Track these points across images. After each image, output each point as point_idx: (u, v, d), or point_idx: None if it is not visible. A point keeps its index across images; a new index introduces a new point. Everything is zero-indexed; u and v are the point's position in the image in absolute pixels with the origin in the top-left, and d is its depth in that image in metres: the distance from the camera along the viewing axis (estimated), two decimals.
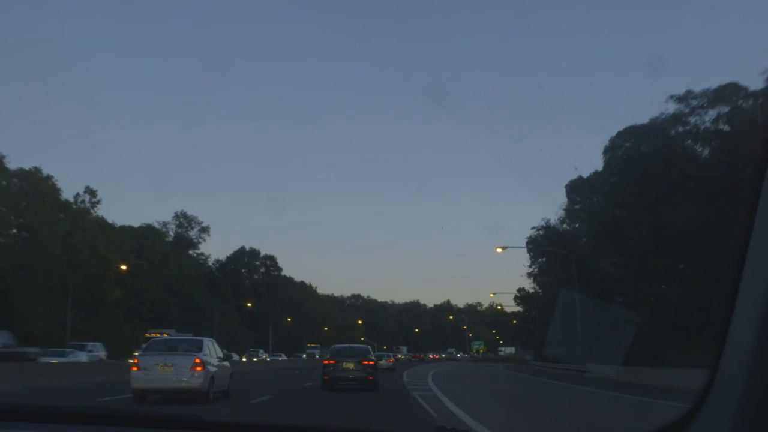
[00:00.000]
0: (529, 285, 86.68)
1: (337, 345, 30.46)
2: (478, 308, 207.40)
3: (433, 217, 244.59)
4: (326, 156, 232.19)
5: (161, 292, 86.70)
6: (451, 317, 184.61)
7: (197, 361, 19.47)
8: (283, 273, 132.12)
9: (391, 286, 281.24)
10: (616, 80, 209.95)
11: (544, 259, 71.01)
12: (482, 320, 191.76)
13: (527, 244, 72.64)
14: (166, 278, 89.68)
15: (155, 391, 19.52)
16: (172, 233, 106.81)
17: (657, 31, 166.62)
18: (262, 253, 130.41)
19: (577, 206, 61.46)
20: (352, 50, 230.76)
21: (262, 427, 2.70)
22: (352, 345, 31.30)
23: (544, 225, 68.29)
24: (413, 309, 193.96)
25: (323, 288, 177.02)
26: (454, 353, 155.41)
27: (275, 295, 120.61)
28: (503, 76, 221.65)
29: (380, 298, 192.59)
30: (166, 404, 18.73)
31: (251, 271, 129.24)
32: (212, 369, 20.18)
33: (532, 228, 73.10)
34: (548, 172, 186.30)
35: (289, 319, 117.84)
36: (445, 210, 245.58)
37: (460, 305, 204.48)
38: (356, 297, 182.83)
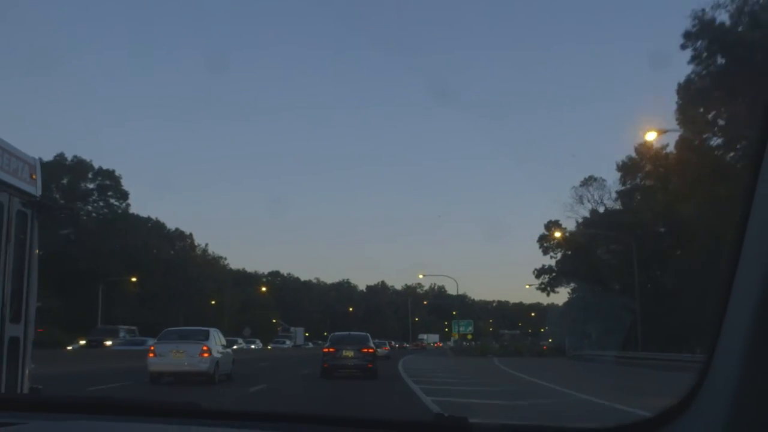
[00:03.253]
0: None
1: (337, 333, 30.44)
2: (418, 290, 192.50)
3: (361, 196, 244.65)
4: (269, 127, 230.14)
5: None
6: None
7: (204, 348, 22.95)
8: (133, 209, 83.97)
9: (318, 264, 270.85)
10: (619, 72, 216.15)
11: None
12: (424, 303, 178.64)
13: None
14: None
15: (168, 374, 22.87)
16: None
17: (664, 20, 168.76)
18: (97, 167, 79.16)
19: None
20: (353, 42, 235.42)
21: (261, 415, 2.68)
22: (351, 333, 31.22)
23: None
24: (343, 289, 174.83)
25: (235, 263, 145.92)
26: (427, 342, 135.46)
27: (114, 238, 73.26)
28: (504, 68, 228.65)
29: (304, 277, 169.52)
30: (178, 385, 21.77)
31: (73, 194, 76.71)
32: (217, 355, 23.58)
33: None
34: (530, 154, 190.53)
35: (133, 279, 73.53)
36: (380, 187, 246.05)
37: (398, 287, 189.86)
38: (275, 274, 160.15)
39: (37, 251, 10.49)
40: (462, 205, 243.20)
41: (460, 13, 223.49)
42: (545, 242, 74.49)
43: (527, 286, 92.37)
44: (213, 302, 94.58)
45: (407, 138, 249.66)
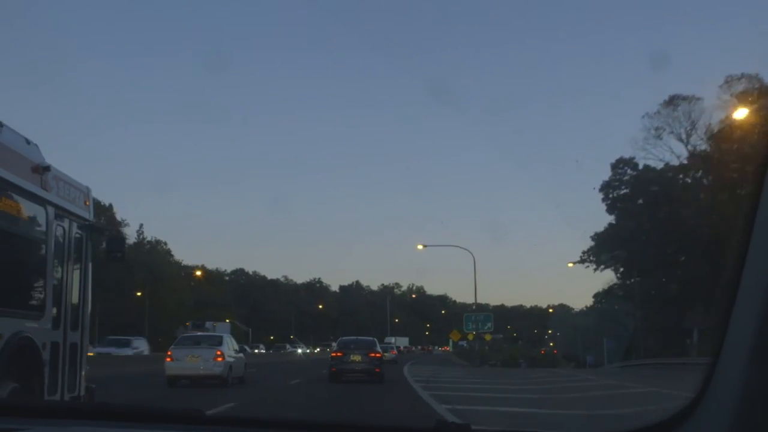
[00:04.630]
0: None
1: (344, 337, 30.75)
2: (396, 290, 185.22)
3: (340, 196, 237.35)
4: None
5: None
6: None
7: (218, 353, 24.16)
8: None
9: (287, 263, 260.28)
10: (618, 72, 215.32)
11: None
12: (403, 304, 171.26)
13: None
14: None
15: (185, 377, 23.97)
16: None
17: (663, 25, 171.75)
18: None
19: None
20: (351, 42, 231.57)
21: (264, 422, 2.64)
22: (359, 337, 31.51)
23: None
24: (314, 289, 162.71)
25: (196, 260, 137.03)
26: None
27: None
28: (501, 68, 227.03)
29: (271, 275, 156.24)
30: (194, 388, 22.81)
31: None
32: (230, 360, 24.78)
33: None
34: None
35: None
36: (362, 187, 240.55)
37: (374, 287, 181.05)
38: (239, 272, 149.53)
39: (90, 268, 11.81)
40: (447, 206, 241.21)
41: (459, 12, 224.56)
42: (611, 191, 52.55)
43: (570, 265, 69.45)
44: (139, 294, 79.47)
45: (399, 137, 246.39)
